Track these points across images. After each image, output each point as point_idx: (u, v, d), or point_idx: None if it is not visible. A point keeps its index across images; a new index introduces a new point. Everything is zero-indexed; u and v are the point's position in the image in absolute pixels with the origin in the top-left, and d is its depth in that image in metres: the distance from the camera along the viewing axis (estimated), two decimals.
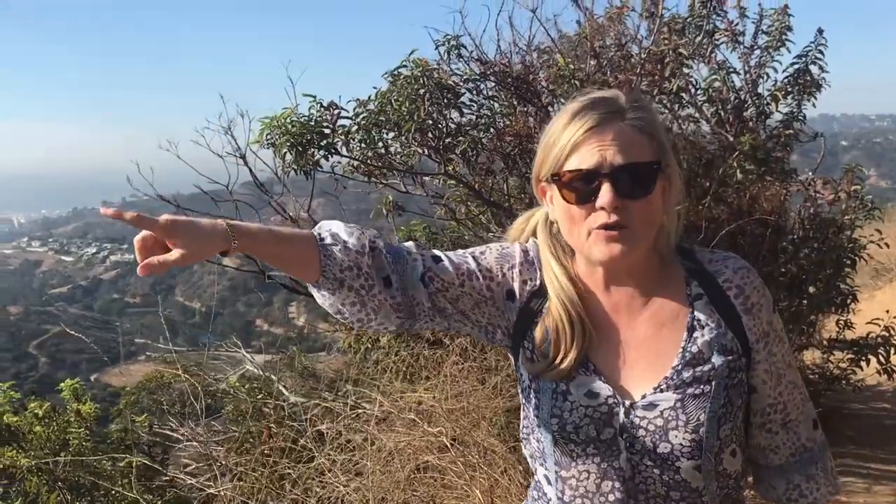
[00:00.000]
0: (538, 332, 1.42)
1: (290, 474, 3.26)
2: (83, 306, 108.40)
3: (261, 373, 6.88)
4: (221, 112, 4.57)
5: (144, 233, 1.25)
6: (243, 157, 4.60)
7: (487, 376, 3.96)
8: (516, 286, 1.46)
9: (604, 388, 1.37)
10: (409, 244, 1.47)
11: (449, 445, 3.09)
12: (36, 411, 4.96)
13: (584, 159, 1.30)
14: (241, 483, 3.37)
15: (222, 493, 3.29)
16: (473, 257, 1.47)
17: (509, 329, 1.47)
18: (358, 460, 3.25)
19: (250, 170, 4.76)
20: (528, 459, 1.55)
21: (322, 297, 1.40)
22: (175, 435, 5.70)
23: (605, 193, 1.28)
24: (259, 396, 6.07)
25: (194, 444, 5.65)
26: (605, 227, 1.30)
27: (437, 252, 1.46)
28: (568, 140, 1.32)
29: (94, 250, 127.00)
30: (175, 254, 1.23)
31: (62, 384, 5.30)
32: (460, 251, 1.49)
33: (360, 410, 3.40)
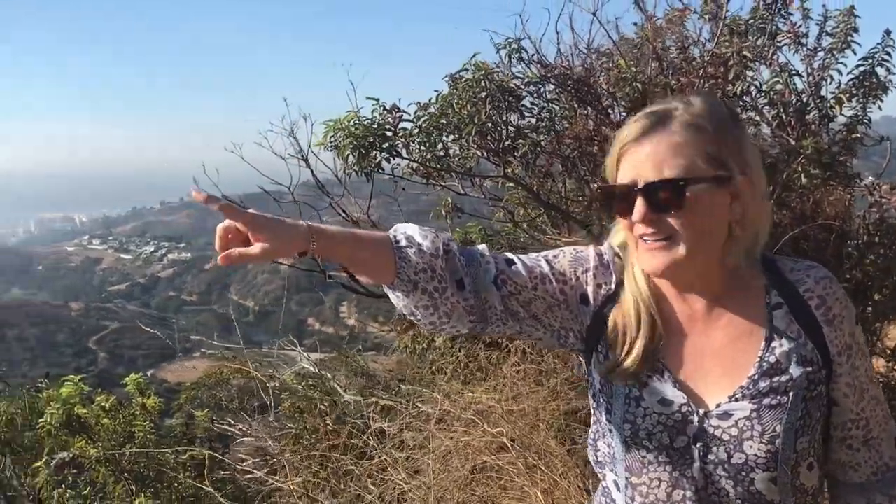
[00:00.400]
0: (609, 324, 1.43)
1: (353, 470, 3.32)
2: (141, 303, 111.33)
3: (316, 371, 7.00)
4: (284, 114, 4.68)
5: (227, 222, 1.28)
6: (305, 158, 4.68)
7: (544, 379, 3.97)
8: (590, 290, 1.46)
9: (678, 396, 1.36)
10: (482, 247, 1.48)
11: (509, 446, 3.11)
12: (103, 404, 5.13)
13: (625, 173, 1.35)
14: (304, 479, 3.43)
15: (289, 488, 3.36)
16: (547, 261, 1.47)
17: (582, 333, 1.47)
18: (417, 458, 3.29)
19: (312, 171, 4.85)
20: (595, 465, 1.55)
21: (396, 299, 1.42)
22: (232, 430, 5.84)
23: (638, 208, 1.31)
24: (315, 394, 6.17)
25: (251, 439, 5.77)
26: (647, 237, 1.33)
27: (510, 255, 1.47)
28: (615, 153, 1.37)
29: (152, 249, 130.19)
30: (256, 248, 1.26)
31: (127, 378, 5.46)
32: (533, 254, 1.50)
33: (420, 410, 3.44)
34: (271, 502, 4.36)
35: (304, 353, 7.89)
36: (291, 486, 3.33)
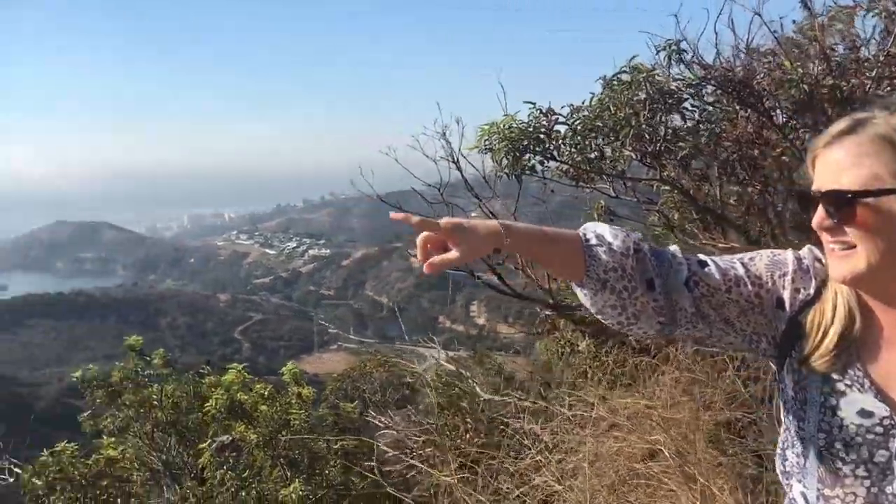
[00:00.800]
0: (806, 325, 1.38)
1: (508, 469, 3.37)
2: (283, 296, 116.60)
3: (454, 369, 7.11)
4: (437, 118, 4.81)
5: (424, 234, 1.34)
6: (456, 161, 4.78)
7: (696, 388, 3.88)
8: (787, 294, 1.41)
9: (879, 408, 1.29)
10: (674, 248, 1.45)
11: (666, 454, 3.06)
12: (262, 392, 5.40)
13: (816, 177, 1.31)
14: (457, 474, 3.51)
15: (451, 481, 3.45)
16: (742, 263, 1.43)
17: (776, 338, 1.42)
18: (567, 461, 3.29)
19: (461, 173, 4.94)
20: (781, 475, 1.49)
21: (584, 297, 1.42)
22: (375, 422, 6.02)
23: (817, 215, 1.28)
24: (454, 391, 6.27)
25: (392, 431, 5.94)
26: (832, 244, 1.29)
27: (702, 257, 1.45)
28: (810, 155, 1.34)
29: (294, 244, 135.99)
30: (454, 253, 1.32)
31: (284, 368, 5.74)
32: (727, 256, 1.47)
33: (573, 413, 3.44)
34: (417, 495, 4.47)
35: (443, 351, 8.05)
36: (453, 481, 3.41)
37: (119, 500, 4.92)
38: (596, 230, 1.41)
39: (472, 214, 5.65)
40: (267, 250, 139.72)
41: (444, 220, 1.33)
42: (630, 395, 3.87)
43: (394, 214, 1.37)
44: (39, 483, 4.82)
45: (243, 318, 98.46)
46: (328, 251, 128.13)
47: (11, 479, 5.88)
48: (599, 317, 1.43)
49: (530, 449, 3.30)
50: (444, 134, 4.75)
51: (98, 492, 4.92)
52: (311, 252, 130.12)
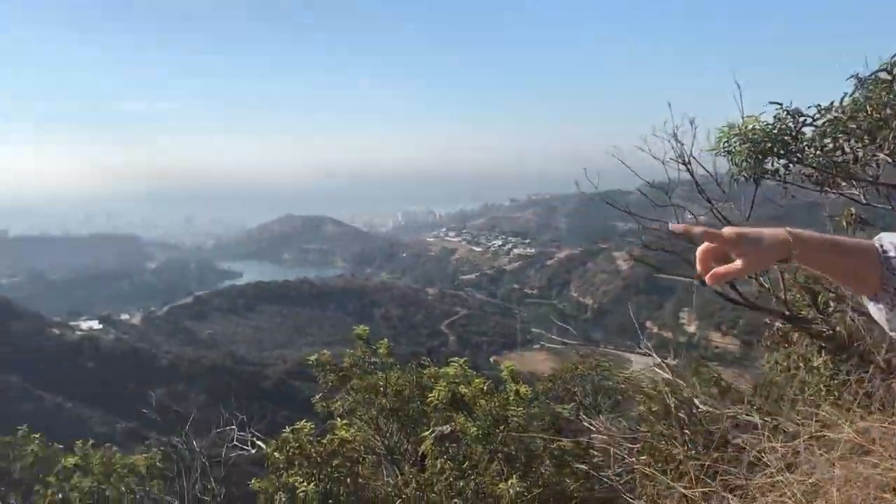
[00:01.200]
0: None
1: (743, 485, 3.23)
2: (487, 293, 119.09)
3: (668, 376, 6.88)
4: (667, 119, 4.69)
5: (705, 245, 1.32)
6: (687, 162, 4.64)
7: None
8: None
9: None
10: None
11: None
12: (481, 386, 5.55)
13: None
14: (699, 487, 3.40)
15: (691, 494, 3.37)
16: None
17: None
18: (807, 483, 3.09)
19: (691, 174, 4.79)
20: None
21: (878, 312, 1.34)
22: (587, 425, 5.97)
23: None
24: (670, 400, 6.07)
25: (605, 436, 5.85)
26: None
27: None
28: None
29: (500, 242, 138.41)
30: (738, 263, 1.29)
31: (503, 365, 5.85)
32: None
33: (814, 432, 3.22)
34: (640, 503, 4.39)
35: (656, 358, 7.81)
36: (695, 494, 3.33)
37: (349, 480, 5.24)
38: (894, 241, 1.32)
39: (688, 216, 5.46)
40: (473, 247, 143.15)
41: (727, 230, 1.30)
42: (881, 419, 3.56)
43: (673, 226, 1.34)
44: (280, 457, 5.25)
45: (450, 313, 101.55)
46: (533, 250, 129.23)
47: (254, 451, 6.47)
48: (893, 335, 1.34)
49: (768, 466, 3.12)
50: (675, 135, 4.62)
51: (330, 469, 5.26)
52: (515, 251, 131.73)
